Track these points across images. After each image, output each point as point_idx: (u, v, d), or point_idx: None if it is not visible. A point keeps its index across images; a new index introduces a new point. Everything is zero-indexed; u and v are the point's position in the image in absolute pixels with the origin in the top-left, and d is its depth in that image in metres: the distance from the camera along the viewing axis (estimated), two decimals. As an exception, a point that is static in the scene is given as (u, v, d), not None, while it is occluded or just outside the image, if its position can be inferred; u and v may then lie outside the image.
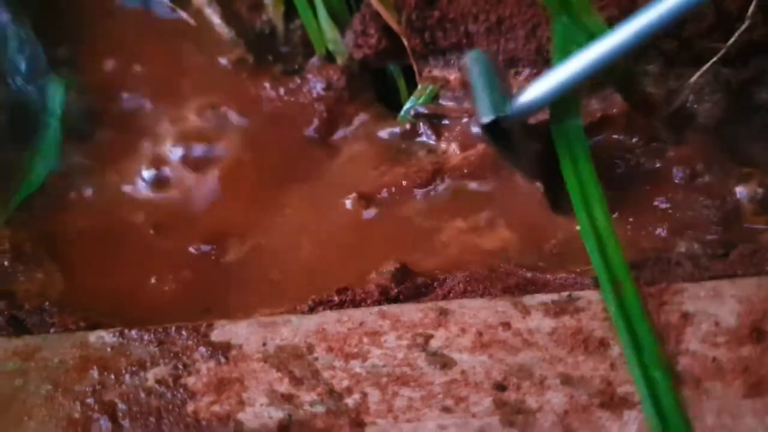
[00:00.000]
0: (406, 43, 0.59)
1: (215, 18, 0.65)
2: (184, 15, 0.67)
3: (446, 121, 0.60)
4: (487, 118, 0.47)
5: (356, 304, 0.47)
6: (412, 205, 0.57)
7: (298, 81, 0.62)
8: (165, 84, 0.63)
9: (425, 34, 0.58)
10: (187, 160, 0.60)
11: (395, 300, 0.47)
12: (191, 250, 0.55)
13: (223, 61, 0.64)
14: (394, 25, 0.58)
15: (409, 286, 0.48)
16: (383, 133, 0.62)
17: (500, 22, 0.56)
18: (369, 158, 0.61)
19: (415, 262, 0.51)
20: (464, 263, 0.51)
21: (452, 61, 0.59)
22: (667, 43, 0.55)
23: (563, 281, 0.48)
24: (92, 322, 0.49)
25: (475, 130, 0.54)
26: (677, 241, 0.49)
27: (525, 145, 0.51)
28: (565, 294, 0.45)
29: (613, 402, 0.41)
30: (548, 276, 0.49)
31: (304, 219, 0.56)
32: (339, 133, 0.62)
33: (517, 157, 0.52)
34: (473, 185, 0.57)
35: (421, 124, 0.60)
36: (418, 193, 0.57)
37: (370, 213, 0.57)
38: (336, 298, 0.47)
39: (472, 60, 0.51)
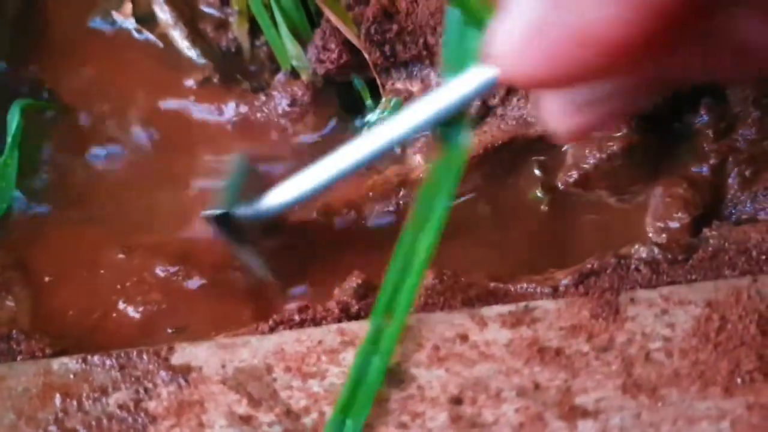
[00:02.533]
0: (366, 56, 0.59)
1: (181, 39, 0.66)
2: (151, 36, 0.68)
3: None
4: (207, 213, 0.50)
5: (317, 322, 0.47)
6: (376, 216, 0.57)
7: (264, 98, 0.63)
8: (127, 105, 0.64)
9: (385, 47, 0.58)
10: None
11: (356, 316, 0.48)
12: (158, 272, 0.55)
13: (189, 81, 0.64)
14: (353, 40, 0.59)
15: (370, 302, 0.48)
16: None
17: (458, 33, 0.56)
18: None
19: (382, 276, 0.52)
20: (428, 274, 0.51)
21: (414, 73, 0.60)
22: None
23: (524, 290, 0.49)
24: (60, 348, 0.49)
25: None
26: (638, 246, 0.50)
27: (257, 242, 0.53)
28: (522, 304, 0.45)
29: (569, 412, 0.41)
30: (509, 286, 0.49)
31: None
32: (306, 148, 0.62)
33: (247, 252, 0.53)
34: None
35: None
36: (383, 204, 0.57)
37: (337, 223, 0.57)
38: (297, 317, 0.47)
39: (232, 163, 0.55)
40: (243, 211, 0.50)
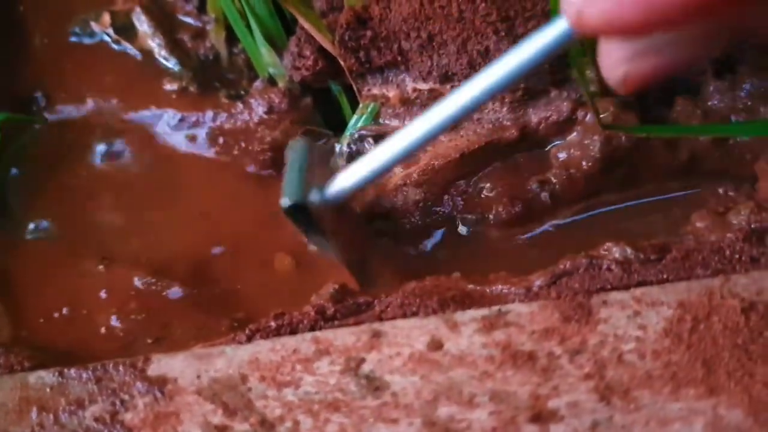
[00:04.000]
0: (342, 63, 0.59)
1: (159, 49, 0.66)
2: (129, 47, 0.68)
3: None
4: (285, 203, 0.47)
5: (293, 327, 0.47)
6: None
7: (241, 106, 0.63)
8: (105, 116, 0.64)
9: (360, 53, 0.58)
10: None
11: (332, 319, 0.48)
12: (137, 283, 0.55)
13: (167, 90, 0.64)
14: (328, 46, 0.59)
15: (347, 304, 0.48)
16: (328, 155, 0.62)
17: (431, 38, 0.56)
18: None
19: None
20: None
21: (390, 78, 0.60)
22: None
23: (499, 292, 0.49)
24: (39, 361, 0.49)
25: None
26: (611, 245, 0.50)
27: (335, 230, 0.51)
28: (495, 308, 0.45)
29: (541, 416, 0.41)
30: (485, 288, 0.49)
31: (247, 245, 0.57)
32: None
33: (324, 241, 0.51)
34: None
35: (364, 143, 0.61)
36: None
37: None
38: (273, 324, 0.47)
39: (290, 147, 0.52)
40: (315, 196, 0.48)
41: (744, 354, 0.42)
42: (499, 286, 0.49)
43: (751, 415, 0.40)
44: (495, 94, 0.44)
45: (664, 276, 0.47)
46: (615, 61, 0.37)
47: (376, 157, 0.47)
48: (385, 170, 0.48)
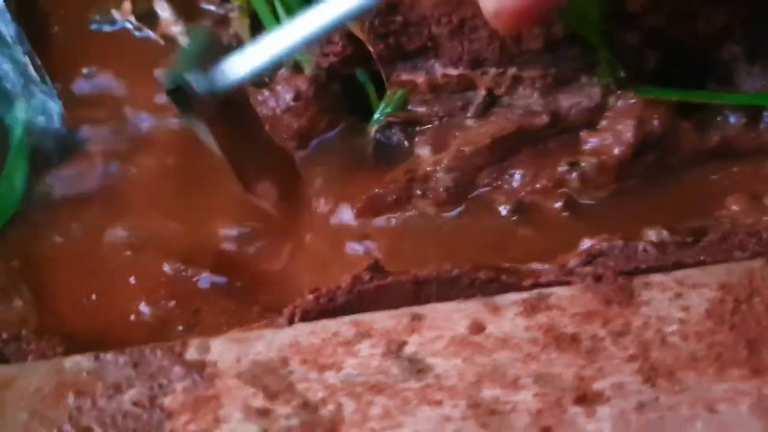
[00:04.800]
0: (371, 49, 0.59)
1: (181, 36, 0.66)
2: (151, 34, 0.67)
3: (418, 127, 0.61)
4: (166, 84, 0.48)
5: (330, 298, 0.46)
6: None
7: (267, 93, 0.62)
8: (128, 104, 0.63)
9: (389, 39, 0.58)
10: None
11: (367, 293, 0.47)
12: (167, 269, 0.55)
13: (191, 77, 0.64)
14: (357, 32, 0.58)
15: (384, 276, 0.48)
16: (355, 142, 0.62)
17: (463, 23, 0.56)
18: (342, 169, 0.61)
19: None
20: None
21: (419, 65, 0.59)
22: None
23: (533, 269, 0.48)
24: (69, 347, 0.49)
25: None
26: (647, 230, 0.50)
27: (216, 120, 0.51)
28: (535, 292, 0.45)
29: (587, 398, 0.41)
30: (520, 266, 0.49)
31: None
32: (311, 144, 0.62)
33: (206, 131, 0.51)
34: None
35: (393, 130, 0.61)
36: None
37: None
38: (310, 297, 0.46)
39: (191, 34, 0.53)
40: (200, 81, 0.47)
41: (789, 335, 0.42)
42: (533, 265, 0.48)
43: (798, 395, 0.40)
44: None
45: (702, 258, 0.47)
46: None
47: (260, 49, 0.47)
48: (271, 62, 0.48)
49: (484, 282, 0.47)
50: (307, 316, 0.45)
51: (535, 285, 0.46)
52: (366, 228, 0.57)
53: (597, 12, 0.52)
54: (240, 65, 0.48)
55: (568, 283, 0.46)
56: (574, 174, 0.55)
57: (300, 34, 0.47)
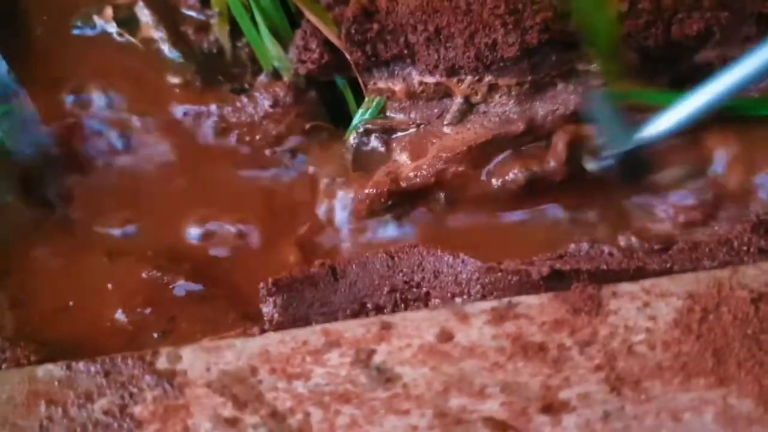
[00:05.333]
0: (348, 56, 0.59)
1: (162, 41, 0.66)
2: (132, 40, 0.67)
3: (395, 134, 0.61)
4: (617, 150, 0.52)
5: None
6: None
7: (245, 99, 0.63)
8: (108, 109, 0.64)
9: (366, 46, 0.58)
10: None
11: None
12: (144, 275, 0.55)
13: (170, 83, 0.64)
14: (334, 40, 0.59)
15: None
16: (334, 148, 0.62)
17: (438, 31, 0.56)
18: (322, 174, 0.61)
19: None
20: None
21: (396, 72, 0.60)
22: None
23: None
24: (44, 355, 0.49)
25: (592, 166, 0.55)
26: (617, 235, 0.50)
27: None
28: (505, 300, 0.45)
29: (553, 407, 0.41)
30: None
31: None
32: (289, 150, 0.62)
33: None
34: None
35: (371, 137, 0.61)
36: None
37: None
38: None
39: (594, 98, 0.55)
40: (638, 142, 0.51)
41: (754, 344, 0.42)
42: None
43: (762, 405, 0.40)
44: None
45: (669, 266, 0.47)
46: None
47: (684, 109, 0.50)
48: (693, 119, 0.50)
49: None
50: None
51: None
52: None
53: (607, 23, 0.53)
54: (664, 123, 0.51)
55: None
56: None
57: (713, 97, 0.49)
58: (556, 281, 0.47)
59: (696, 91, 0.50)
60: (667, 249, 0.48)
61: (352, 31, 0.57)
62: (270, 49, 0.62)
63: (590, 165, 0.54)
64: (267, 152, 0.62)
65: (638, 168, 0.53)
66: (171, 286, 0.55)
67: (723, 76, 0.49)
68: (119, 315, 0.54)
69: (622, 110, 0.54)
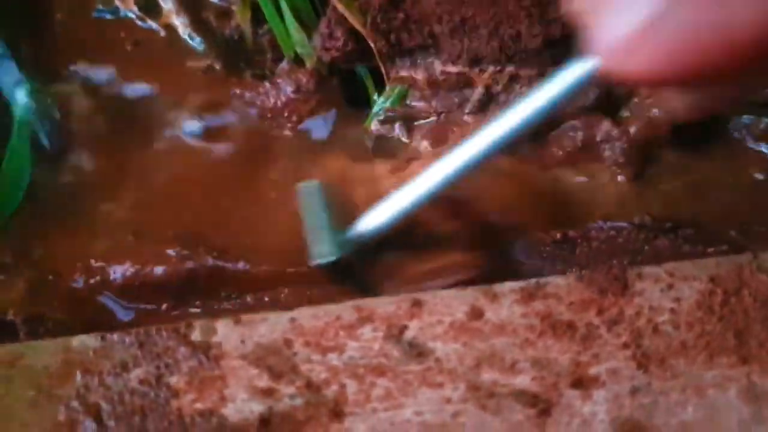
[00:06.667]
0: (372, 44, 0.60)
1: (183, 27, 0.66)
2: (153, 25, 0.68)
3: (417, 122, 0.62)
4: (320, 261, 0.48)
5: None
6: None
7: (268, 85, 0.63)
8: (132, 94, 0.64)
9: (390, 35, 0.59)
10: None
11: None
12: (170, 253, 0.56)
13: (192, 69, 0.65)
14: (359, 28, 0.60)
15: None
16: (355, 134, 0.63)
17: (464, 22, 0.57)
18: (342, 159, 0.62)
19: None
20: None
21: (419, 62, 0.61)
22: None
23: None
24: (77, 327, 0.50)
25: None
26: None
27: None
28: (533, 280, 0.47)
29: (583, 382, 0.43)
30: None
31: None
32: (313, 136, 0.63)
33: (360, 283, 0.51)
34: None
35: (392, 125, 0.62)
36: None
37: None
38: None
39: (302, 194, 0.52)
40: (343, 246, 0.48)
41: (775, 325, 0.44)
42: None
43: (784, 383, 0.42)
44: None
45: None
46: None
47: (398, 201, 0.48)
48: (409, 213, 0.48)
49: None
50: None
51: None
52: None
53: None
54: (373, 221, 0.48)
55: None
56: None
57: (429, 187, 0.47)
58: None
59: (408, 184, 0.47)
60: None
61: (378, 19, 0.58)
62: (293, 35, 0.63)
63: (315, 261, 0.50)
64: (288, 134, 0.62)
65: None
66: (197, 264, 0.55)
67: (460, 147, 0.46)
68: (145, 293, 0.54)
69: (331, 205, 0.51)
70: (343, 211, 0.52)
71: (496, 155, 0.46)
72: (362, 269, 0.51)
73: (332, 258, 0.48)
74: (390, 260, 0.51)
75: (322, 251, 0.48)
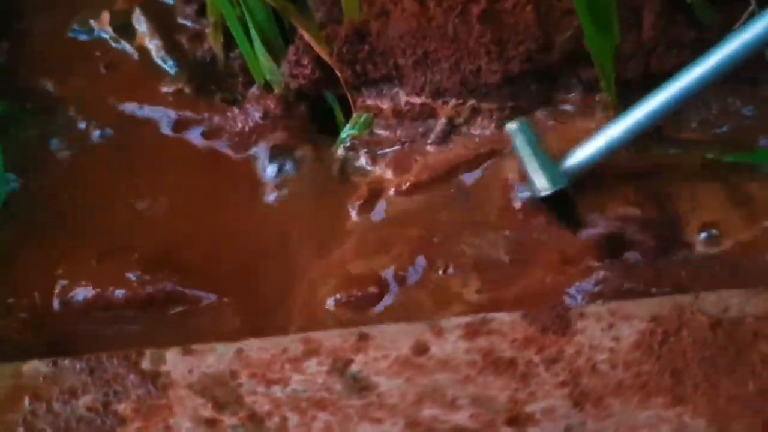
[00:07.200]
0: (338, 74, 0.61)
1: (157, 50, 0.68)
2: (127, 47, 0.69)
3: (381, 149, 0.63)
4: (546, 192, 0.52)
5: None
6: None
7: (236, 110, 0.64)
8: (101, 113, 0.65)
9: (356, 66, 0.60)
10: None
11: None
12: (130, 276, 0.57)
13: (163, 91, 0.66)
14: (326, 58, 0.61)
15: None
16: (321, 160, 0.64)
17: (426, 55, 0.58)
18: (307, 186, 0.63)
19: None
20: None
21: (384, 91, 0.62)
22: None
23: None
24: (32, 352, 0.51)
25: (523, 195, 0.55)
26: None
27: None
28: (479, 316, 0.48)
29: (519, 420, 0.44)
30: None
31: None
32: (277, 162, 0.64)
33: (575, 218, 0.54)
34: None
35: (357, 151, 0.63)
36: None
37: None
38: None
39: (514, 130, 0.53)
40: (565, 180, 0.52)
41: (710, 367, 0.44)
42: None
43: (714, 424, 0.43)
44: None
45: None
46: None
47: (610, 134, 0.51)
48: (620, 145, 0.51)
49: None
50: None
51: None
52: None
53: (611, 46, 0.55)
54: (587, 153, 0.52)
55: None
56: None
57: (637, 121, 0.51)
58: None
59: (623, 115, 0.51)
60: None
61: (344, 50, 0.60)
62: (262, 62, 0.64)
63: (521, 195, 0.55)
64: (254, 162, 0.63)
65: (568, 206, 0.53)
66: (157, 288, 0.56)
67: (650, 97, 0.50)
68: (106, 315, 0.55)
69: (543, 141, 0.53)
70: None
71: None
72: (577, 202, 0.53)
73: (559, 187, 0.51)
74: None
75: (548, 182, 0.52)
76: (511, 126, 0.53)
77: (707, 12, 0.56)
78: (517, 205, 0.56)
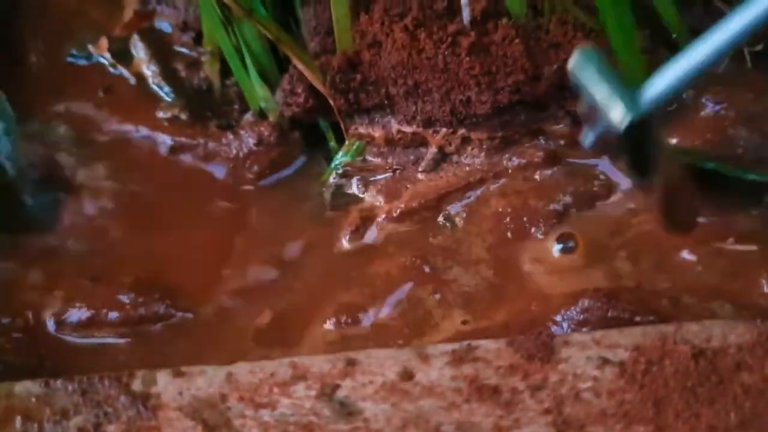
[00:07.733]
0: (331, 102, 0.62)
1: (154, 76, 0.69)
2: (125, 72, 0.70)
3: (373, 177, 0.64)
4: (629, 120, 0.43)
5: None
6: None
7: (231, 137, 0.66)
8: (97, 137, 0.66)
9: (349, 95, 0.62)
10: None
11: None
12: (124, 299, 0.57)
13: (159, 117, 0.67)
14: (319, 86, 0.62)
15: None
16: (313, 188, 0.65)
17: (417, 85, 0.60)
18: (296, 213, 0.64)
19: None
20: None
21: (376, 120, 0.63)
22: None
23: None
24: (25, 372, 0.51)
25: (588, 142, 0.47)
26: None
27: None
28: (465, 343, 0.48)
29: (503, 447, 0.44)
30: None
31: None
32: (270, 185, 0.65)
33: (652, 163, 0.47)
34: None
35: (349, 178, 0.64)
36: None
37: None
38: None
39: (580, 62, 0.45)
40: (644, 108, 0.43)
41: (692, 396, 0.45)
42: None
43: (695, 455, 0.43)
44: None
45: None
46: None
47: (687, 61, 0.44)
48: (699, 72, 0.44)
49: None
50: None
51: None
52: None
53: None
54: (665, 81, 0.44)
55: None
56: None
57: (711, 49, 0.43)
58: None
59: (700, 39, 0.44)
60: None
61: (337, 79, 0.61)
62: (257, 90, 0.66)
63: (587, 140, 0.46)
64: (248, 187, 0.65)
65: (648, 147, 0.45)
66: (150, 311, 0.57)
67: (726, 23, 0.43)
68: (98, 336, 0.56)
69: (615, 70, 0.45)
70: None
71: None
72: (657, 136, 0.46)
73: (639, 115, 0.43)
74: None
75: (625, 111, 0.43)
76: (577, 54, 0.45)
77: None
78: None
